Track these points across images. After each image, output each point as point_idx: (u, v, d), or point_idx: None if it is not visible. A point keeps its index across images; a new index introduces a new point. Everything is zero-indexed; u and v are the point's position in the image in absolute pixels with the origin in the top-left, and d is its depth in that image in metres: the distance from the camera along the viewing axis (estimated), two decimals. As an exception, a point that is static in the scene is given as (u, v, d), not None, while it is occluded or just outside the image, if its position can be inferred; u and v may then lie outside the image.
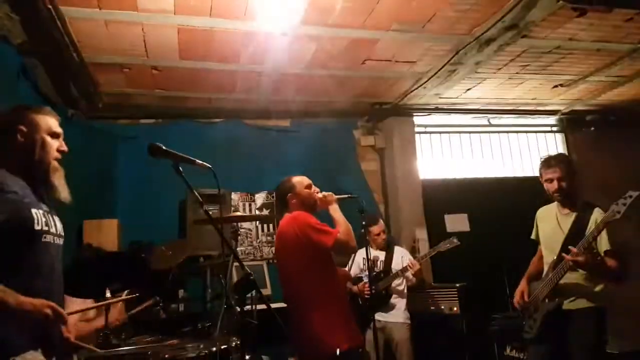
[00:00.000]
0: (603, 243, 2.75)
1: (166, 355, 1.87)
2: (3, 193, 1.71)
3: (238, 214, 5.13)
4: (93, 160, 4.95)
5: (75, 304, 3.27)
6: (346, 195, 3.05)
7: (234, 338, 2.07)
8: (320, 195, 2.89)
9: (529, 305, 3.01)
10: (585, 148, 6.53)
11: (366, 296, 4.22)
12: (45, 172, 1.92)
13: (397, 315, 4.32)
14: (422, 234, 5.65)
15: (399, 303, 4.35)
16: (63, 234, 1.95)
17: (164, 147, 1.92)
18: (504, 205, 5.99)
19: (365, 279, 4.31)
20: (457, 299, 4.51)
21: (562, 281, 2.83)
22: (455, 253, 5.40)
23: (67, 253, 2.04)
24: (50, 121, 1.97)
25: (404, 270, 4.30)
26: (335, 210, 2.83)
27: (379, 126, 6.06)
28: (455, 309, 4.50)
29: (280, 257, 2.86)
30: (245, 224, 5.57)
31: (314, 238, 2.62)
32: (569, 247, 2.73)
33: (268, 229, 5.58)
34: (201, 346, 1.93)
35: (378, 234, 4.50)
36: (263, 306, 4.09)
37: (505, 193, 6.10)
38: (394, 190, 5.88)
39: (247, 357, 3.31)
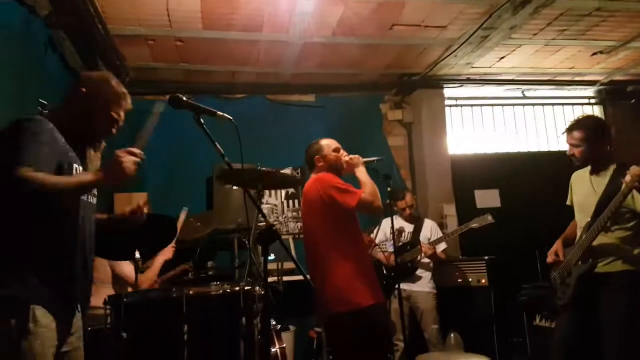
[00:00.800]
0: (638, 200, 2.61)
1: (190, 291, 1.85)
2: (53, 144, 1.71)
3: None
4: (122, 134, 4.99)
5: (121, 266, 3.35)
6: (373, 159, 3.00)
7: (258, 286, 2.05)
8: (347, 158, 2.86)
9: (561, 269, 2.90)
10: (625, 121, 6.24)
11: (390, 265, 4.22)
12: (92, 142, 1.93)
13: (422, 284, 4.32)
14: (450, 210, 5.53)
15: (425, 274, 4.35)
16: (96, 194, 1.96)
17: (184, 98, 1.88)
18: (537, 180, 5.84)
19: (390, 249, 4.27)
20: (485, 271, 4.43)
21: (596, 243, 2.71)
22: (485, 228, 5.30)
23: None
24: (128, 102, 1.99)
25: (418, 251, 4.26)
26: (361, 173, 2.80)
27: (407, 100, 5.92)
28: (483, 280, 4.43)
29: (305, 218, 2.86)
30: (271, 200, 5.57)
31: (338, 198, 2.61)
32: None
33: (293, 204, 5.55)
34: (225, 285, 1.91)
35: (404, 208, 4.50)
36: (289, 277, 4.13)
37: (538, 168, 5.92)
38: (421, 166, 5.76)
39: (272, 321, 3.37)
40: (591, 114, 3.14)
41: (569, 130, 2.90)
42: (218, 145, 1.88)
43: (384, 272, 4.31)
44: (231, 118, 1.94)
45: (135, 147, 1.90)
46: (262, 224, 2.03)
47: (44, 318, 1.60)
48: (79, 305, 1.79)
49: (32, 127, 1.68)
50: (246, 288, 1.94)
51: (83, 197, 1.83)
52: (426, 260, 4.34)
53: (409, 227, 4.50)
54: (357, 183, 2.82)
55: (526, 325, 3.73)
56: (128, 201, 4.64)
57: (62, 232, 1.73)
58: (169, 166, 5.22)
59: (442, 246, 4.43)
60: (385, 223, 4.33)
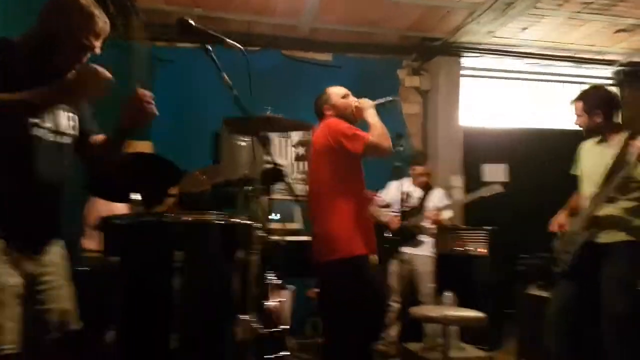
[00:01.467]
0: None
1: (185, 218, 1.84)
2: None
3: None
4: (129, 80, 4.91)
5: (119, 210, 3.33)
6: (383, 100, 2.86)
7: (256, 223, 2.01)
8: (356, 102, 2.76)
9: (564, 238, 2.88)
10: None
11: (393, 228, 4.19)
12: (57, 73, 1.66)
13: (423, 249, 4.32)
14: (457, 182, 5.51)
15: (427, 240, 4.35)
16: (70, 133, 1.76)
17: (193, 24, 1.79)
18: (548, 158, 5.73)
19: (397, 212, 4.26)
20: (486, 241, 4.40)
21: (600, 213, 2.69)
22: (491, 202, 5.25)
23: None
24: (103, 27, 1.72)
25: (423, 217, 4.25)
26: (370, 115, 2.70)
27: (425, 66, 5.78)
28: (482, 250, 4.41)
29: (311, 163, 2.81)
30: (282, 161, 5.52)
31: (346, 144, 2.55)
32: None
33: (303, 167, 5.51)
34: (223, 215, 1.87)
35: (420, 174, 4.44)
36: (293, 238, 4.11)
37: (551, 146, 5.80)
38: (433, 136, 5.69)
39: (271, 276, 3.36)
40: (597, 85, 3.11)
41: (574, 101, 2.94)
42: (226, 77, 1.81)
43: (385, 234, 4.29)
44: (241, 47, 1.87)
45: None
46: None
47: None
48: (42, 243, 1.69)
49: None
50: (245, 221, 1.89)
51: (47, 137, 1.65)
52: (430, 226, 4.31)
53: (417, 192, 4.44)
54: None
55: (520, 295, 3.72)
56: (131, 148, 4.54)
57: (16, 176, 1.59)
58: (176, 117, 5.14)
59: (447, 214, 4.39)
60: (393, 186, 4.36)
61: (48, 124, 1.68)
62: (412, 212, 4.34)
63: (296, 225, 4.73)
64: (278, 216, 4.44)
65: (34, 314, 1.61)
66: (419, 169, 4.40)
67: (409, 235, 4.29)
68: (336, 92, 2.81)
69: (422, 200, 4.41)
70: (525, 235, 4.99)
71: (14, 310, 1.52)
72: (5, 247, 1.54)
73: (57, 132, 1.71)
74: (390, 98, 2.89)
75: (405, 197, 4.30)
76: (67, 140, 1.75)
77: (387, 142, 2.60)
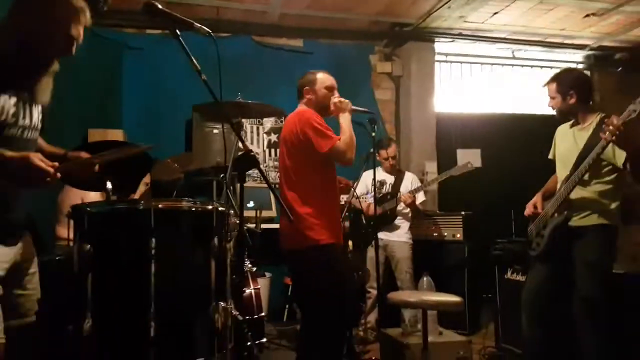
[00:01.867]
0: (618, 154, 2.57)
1: (159, 205, 1.78)
2: None
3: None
4: (97, 68, 4.81)
5: (91, 198, 3.25)
6: (362, 109, 2.91)
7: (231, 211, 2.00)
8: (336, 99, 2.73)
9: (538, 221, 2.90)
10: (611, 89, 6.25)
11: (370, 215, 4.21)
12: (43, 66, 1.67)
13: (400, 234, 4.36)
14: (432, 167, 5.56)
15: (403, 225, 4.39)
16: (38, 127, 1.74)
17: (159, 6, 1.74)
18: (521, 143, 5.87)
19: (370, 200, 4.27)
20: (461, 226, 4.48)
21: (573, 196, 2.71)
22: (464, 186, 5.32)
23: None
24: (87, 16, 1.70)
25: (398, 200, 4.28)
26: (345, 119, 2.68)
27: (397, 52, 5.80)
28: (458, 235, 4.49)
29: (281, 148, 2.80)
30: (254, 148, 5.48)
31: (312, 139, 2.54)
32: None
33: (275, 154, 5.48)
34: (197, 202, 1.85)
35: (386, 159, 4.45)
36: (268, 225, 4.10)
37: (523, 130, 5.93)
38: (407, 121, 5.72)
39: (248, 264, 3.36)
40: (571, 67, 3.15)
41: (547, 83, 2.92)
42: (194, 61, 1.76)
43: (363, 221, 4.33)
44: (209, 31, 1.83)
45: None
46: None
47: None
48: (14, 229, 1.68)
49: None
50: (219, 208, 1.87)
51: (14, 133, 1.61)
52: (405, 209, 4.35)
53: (390, 179, 4.48)
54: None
55: (497, 280, 3.76)
56: (102, 137, 4.50)
57: None
58: (149, 105, 5.06)
59: (420, 197, 4.44)
60: (367, 175, 4.32)
61: (23, 122, 1.65)
62: (385, 197, 4.38)
63: (271, 213, 4.71)
64: (252, 204, 4.41)
65: (11, 300, 1.62)
66: (383, 152, 4.41)
67: (385, 220, 4.32)
68: (323, 80, 2.75)
69: (395, 185, 4.45)
70: (500, 219, 5.09)
71: None
72: None
73: (30, 127, 1.69)
74: (369, 110, 2.98)
75: (379, 185, 4.34)
76: (35, 135, 1.74)
77: (351, 152, 2.59)
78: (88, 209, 1.76)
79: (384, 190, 4.44)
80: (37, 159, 1.48)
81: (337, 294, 2.52)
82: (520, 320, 2.92)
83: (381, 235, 4.24)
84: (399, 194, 4.33)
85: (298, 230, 2.51)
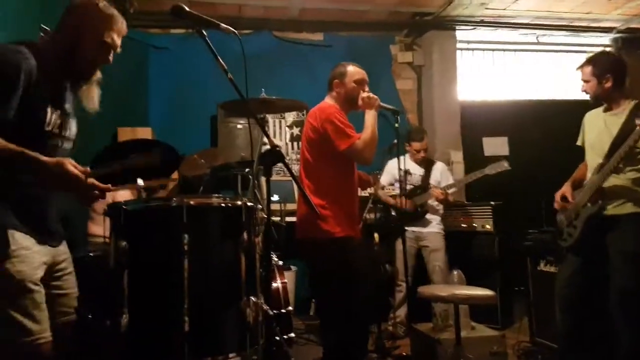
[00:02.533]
0: None
1: (191, 201, 1.82)
2: (25, 80, 1.55)
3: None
4: (125, 67, 4.91)
5: (121, 196, 3.34)
6: (391, 107, 2.88)
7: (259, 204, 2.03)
8: (365, 95, 2.71)
9: (569, 211, 2.83)
10: (639, 71, 6.06)
11: (402, 209, 4.13)
12: (86, 75, 1.76)
13: (432, 226, 4.26)
14: (457, 157, 5.49)
15: (434, 218, 4.30)
16: (72, 138, 1.83)
17: (186, 8, 1.78)
18: (548, 129, 5.76)
19: (397, 191, 4.23)
20: (491, 216, 4.38)
21: (606, 184, 2.63)
22: (491, 176, 5.23)
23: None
24: (122, 25, 1.79)
25: (429, 195, 4.20)
26: (370, 115, 2.67)
27: (418, 42, 5.75)
28: (487, 226, 4.39)
29: (303, 139, 2.81)
30: (277, 141, 5.51)
31: (330, 135, 2.55)
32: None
33: (298, 147, 5.51)
34: (227, 199, 1.89)
35: (418, 151, 4.34)
36: (292, 218, 4.12)
37: (549, 117, 5.81)
38: (429, 111, 5.67)
39: (275, 257, 3.39)
40: (606, 50, 3.02)
41: (581, 66, 2.82)
42: (221, 60, 1.80)
43: (392, 213, 4.27)
44: (235, 31, 1.86)
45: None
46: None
47: (25, 240, 1.58)
48: (55, 232, 1.75)
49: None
50: (248, 204, 1.90)
51: (57, 143, 1.71)
52: (436, 204, 4.27)
53: (418, 170, 4.38)
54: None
55: (530, 271, 3.67)
56: (132, 135, 4.61)
57: (31, 186, 1.62)
58: (175, 102, 5.16)
59: (452, 190, 4.33)
60: (392, 164, 4.28)
61: (64, 132, 1.75)
62: (415, 190, 4.28)
63: (294, 206, 4.75)
64: (277, 197, 4.45)
65: (53, 299, 1.68)
66: (415, 144, 4.32)
67: (416, 215, 4.23)
68: (353, 73, 2.74)
69: (425, 177, 4.34)
70: (530, 209, 4.99)
71: (43, 300, 1.59)
72: (29, 239, 1.60)
73: (68, 138, 1.79)
74: (396, 108, 2.93)
75: (405, 175, 4.20)
76: (70, 145, 1.82)
77: (370, 152, 2.58)
78: (124, 206, 1.80)
79: (410, 181, 4.32)
80: (70, 164, 1.53)
81: (349, 289, 2.50)
82: (554, 312, 2.87)
83: (412, 227, 4.19)
84: (429, 188, 4.23)
85: (313, 221, 2.51)
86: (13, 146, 1.48)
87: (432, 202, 4.25)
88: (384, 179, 4.35)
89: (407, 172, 4.28)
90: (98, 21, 1.73)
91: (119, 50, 1.81)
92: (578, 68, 2.84)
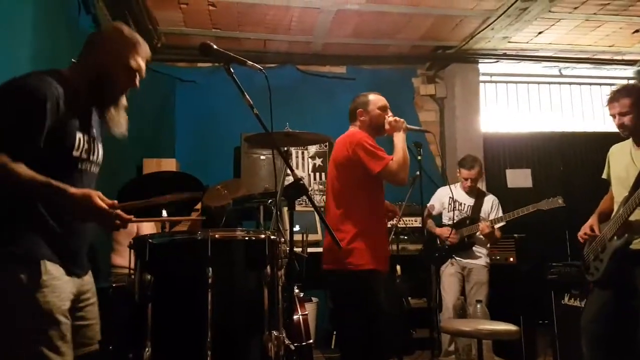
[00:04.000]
0: None
1: (216, 235, 1.84)
2: (52, 108, 1.56)
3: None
4: (152, 100, 5.07)
5: (145, 227, 3.39)
6: (418, 128, 2.91)
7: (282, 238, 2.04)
8: (391, 119, 2.73)
9: (596, 244, 2.79)
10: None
11: (448, 242, 4.05)
12: (113, 100, 1.78)
13: (478, 258, 4.08)
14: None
15: (481, 251, 4.11)
16: (99, 163, 1.85)
17: (214, 46, 1.84)
18: (571, 162, 5.79)
19: (446, 220, 4.17)
20: (514, 249, 4.30)
21: (633, 218, 2.58)
22: (514, 208, 5.16)
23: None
24: (146, 49, 1.83)
25: (476, 227, 4.01)
26: (399, 138, 2.68)
27: (440, 74, 5.80)
28: (511, 259, 4.30)
29: (330, 169, 2.81)
30: (298, 172, 5.56)
31: (363, 159, 2.55)
32: None
33: (320, 178, 5.54)
34: (250, 232, 1.91)
35: (466, 179, 4.16)
36: (314, 249, 4.12)
37: (573, 149, 5.84)
38: (452, 143, 5.67)
39: (296, 289, 3.38)
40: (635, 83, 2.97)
41: (615, 98, 2.73)
42: (247, 96, 1.85)
43: (439, 244, 4.17)
44: (261, 68, 1.91)
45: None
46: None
47: (56, 271, 1.57)
48: (84, 263, 1.76)
49: (23, 95, 1.54)
50: (272, 237, 1.92)
51: (85, 167, 1.72)
52: (483, 237, 4.09)
53: (468, 201, 4.21)
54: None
55: (554, 305, 3.60)
56: (157, 166, 4.70)
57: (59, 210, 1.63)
58: (200, 134, 5.27)
59: (499, 225, 4.10)
60: (443, 191, 4.24)
61: (92, 157, 1.76)
62: (465, 221, 4.12)
63: (317, 237, 4.75)
64: (298, 227, 4.46)
65: (76, 330, 1.66)
66: (463, 172, 4.14)
67: (463, 246, 4.09)
68: (375, 101, 2.77)
69: (475, 208, 4.16)
70: (554, 242, 4.90)
71: (69, 333, 1.57)
72: (59, 269, 1.60)
73: (96, 162, 1.80)
74: (424, 129, 2.93)
75: (453, 203, 4.12)
76: (97, 169, 1.84)
77: (404, 172, 2.58)
78: (150, 240, 1.83)
79: (458, 211, 4.16)
80: (98, 197, 1.55)
81: (370, 323, 2.47)
82: (579, 347, 2.80)
83: (458, 257, 4.08)
84: (479, 221, 4.04)
85: (338, 252, 2.49)
86: (40, 177, 1.49)
87: (480, 235, 4.05)
88: (436, 207, 4.26)
89: (455, 201, 4.15)
90: (122, 46, 1.76)
91: (144, 74, 1.83)
92: (611, 101, 2.75)
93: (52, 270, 1.57)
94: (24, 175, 1.47)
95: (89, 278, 1.79)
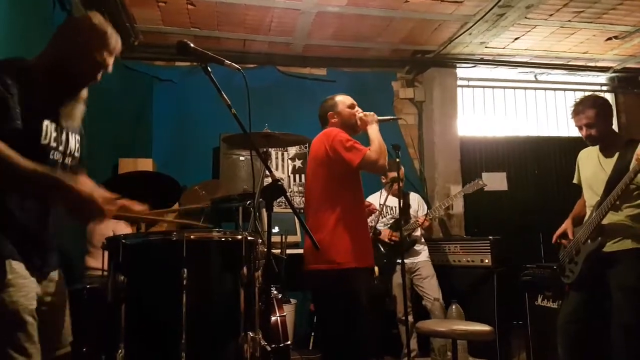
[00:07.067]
0: None
1: (191, 236, 1.81)
2: (14, 97, 1.49)
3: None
4: (129, 99, 4.99)
5: (122, 229, 3.33)
6: (389, 117, 2.94)
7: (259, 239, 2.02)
8: (361, 114, 2.76)
9: (570, 248, 2.87)
10: (636, 110, 6.20)
11: (392, 242, 4.16)
12: (70, 92, 1.69)
13: (420, 254, 4.31)
14: (457, 191, 5.51)
15: (422, 248, 4.34)
16: (77, 155, 1.78)
17: (192, 45, 1.82)
18: (546, 165, 5.92)
19: (379, 225, 4.25)
20: (489, 251, 4.36)
21: (605, 222, 2.67)
22: (490, 210, 5.26)
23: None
24: (115, 43, 1.72)
25: (415, 224, 4.26)
26: (372, 130, 2.70)
27: (419, 78, 5.86)
28: (486, 260, 4.36)
29: (309, 171, 2.80)
30: (278, 173, 5.54)
31: (342, 154, 2.54)
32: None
33: (300, 179, 5.53)
34: (227, 232, 1.88)
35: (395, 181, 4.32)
36: (293, 250, 4.11)
37: (547, 153, 5.98)
38: (430, 146, 5.73)
39: (274, 290, 3.37)
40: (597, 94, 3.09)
41: (580, 110, 2.83)
42: (225, 96, 1.83)
43: (382, 249, 4.24)
44: (239, 67, 1.90)
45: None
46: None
47: (21, 270, 1.52)
48: (52, 259, 1.71)
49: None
50: (249, 238, 1.90)
51: (57, 158, 1.66)
52: (418, 233, 4.31)
53: (394, 203, 4.27)
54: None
55: (528, 306, 3.68)
56: (133, 166, 4.63)
57: (27, 201, 1.60)
58: (177, 134, 5.20)
59: (432, 216, 4.45)
60: (373, 199, 4.29)
61: (61, 147, 1.69)
62: (399, 222, 4.20)
63: (295, 238, 4.74)
64: (277, 229, 4.44)
65: (47, 332, 1.60)
66: (392, 175, 4.21)
67: (406, 245, 4.22)
68: (343, 101, 2.80)
69: (403, 208, 4.30)
70: (528, 243, 4.99)
71: (35, 333, 1.52)
72: (25, 268, 1.55)
73: (68, 154, 1.73)
74: (395, 117, 2.95)
75: (385, 208, 4.28)
76: (75, 163, 1.77)
77: (383, 159, 2.58)
78: (123, 240, 1.80)
79: (391, 214, 4.34)
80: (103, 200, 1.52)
81: (353, 322, 2.46)
82: (552, 348, 2.88)
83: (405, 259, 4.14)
84: (413, 218, 4.29)
85: (319, 252, 2.43)
86: (45, 168, 1.45)
87: (418, 232, 4.29)
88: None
89: (386, 206, 4.29)
90: (90, 37, 1.67)
91: (110, 69, 1.74)
92: (576, 114, 2.85)
93: (18, 269, 1.51)
94: (24, 164, 1.42)
95: (56, 277, 1.72)
